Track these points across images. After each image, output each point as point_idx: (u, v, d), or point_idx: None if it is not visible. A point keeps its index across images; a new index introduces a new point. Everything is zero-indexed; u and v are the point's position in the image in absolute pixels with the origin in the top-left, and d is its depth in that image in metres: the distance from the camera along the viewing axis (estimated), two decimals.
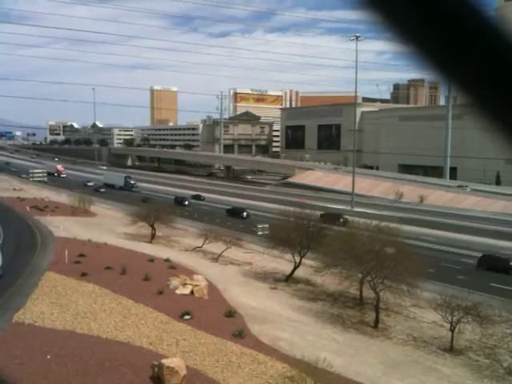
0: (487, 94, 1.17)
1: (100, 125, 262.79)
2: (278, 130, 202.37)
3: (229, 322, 26.96)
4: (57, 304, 27.26)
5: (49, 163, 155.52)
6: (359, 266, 31.33)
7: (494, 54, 1.11)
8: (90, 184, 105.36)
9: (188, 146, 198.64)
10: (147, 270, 34.72)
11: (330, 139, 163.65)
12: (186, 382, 19.23)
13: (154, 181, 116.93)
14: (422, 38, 1.14)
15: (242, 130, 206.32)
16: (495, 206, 79.17)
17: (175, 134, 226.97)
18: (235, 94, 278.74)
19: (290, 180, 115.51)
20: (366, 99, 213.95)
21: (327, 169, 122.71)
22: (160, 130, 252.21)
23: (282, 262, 43.30)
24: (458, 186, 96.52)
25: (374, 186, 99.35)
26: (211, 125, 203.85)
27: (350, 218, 60.35)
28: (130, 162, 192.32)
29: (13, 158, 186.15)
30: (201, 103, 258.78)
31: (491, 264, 43.70)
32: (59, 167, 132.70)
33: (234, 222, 64.92)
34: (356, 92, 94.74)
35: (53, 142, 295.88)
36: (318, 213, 52.12)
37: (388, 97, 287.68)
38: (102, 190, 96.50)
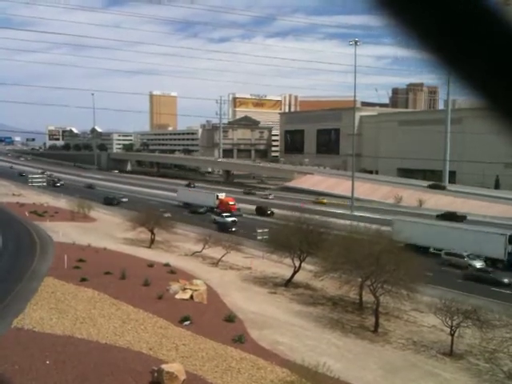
0: (500, 93, 1.17)
1: (99, 130, 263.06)
2: (277, 135, 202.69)
3: (228, 327, 26.91)
4: (56, 309, 27.22)
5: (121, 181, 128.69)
6: (359, 271, 31.33)
7: (506, 52, 1.12)
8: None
9: (187, 151, 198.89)
10: (147, 275, 34.69)
11: (329, 144, 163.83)
12: None
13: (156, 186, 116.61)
14: (435, 40, 1.16)
15: (241, 135, 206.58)
16: (494, 209, 79.19)
17: (175, 139, 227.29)
18: (234, 98, 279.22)
19: (290, 184, 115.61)
20: (364, 104, 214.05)
21: (328, 173, 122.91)
22: (159, 134, 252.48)
23: (281, 267, 43.26)
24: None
25: (374, 190, 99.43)
26: (210, 129, 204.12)
27: (349, 222, 60.39)
28: (129, 167, 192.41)
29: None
30: (200, 108, 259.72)
31: None
32: (224, 198, 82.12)
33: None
34: (355, 96, 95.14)
35: (52, 147, 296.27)
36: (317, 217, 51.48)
37: (387, 101, 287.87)
38: None
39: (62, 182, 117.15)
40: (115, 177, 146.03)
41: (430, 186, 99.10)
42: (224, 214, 68.65)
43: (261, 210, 77.29)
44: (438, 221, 70.59)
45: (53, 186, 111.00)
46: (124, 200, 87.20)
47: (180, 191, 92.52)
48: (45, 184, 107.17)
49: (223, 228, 61.32)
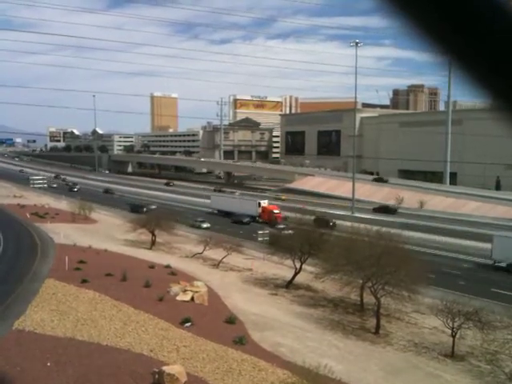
0: (509, 93, 1.16)
1: (100, 131, 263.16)
2: (277, 136, 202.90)
3: (229, 329, 26.89)
4: (57, 311, 27.21)
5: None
6: (360, 272, 31.30)
7: None
8: None
9: (188, 153, 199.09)
10: (147, 277, 34.67)
11: (329, 145, 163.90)
12: None
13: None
14: (444, 38, 1.14)
15: (241, 136, 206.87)
16: (496, 211, 79.15)
17: (175, 141, 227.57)
18: (235, 100, 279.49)
19: (291, 186, 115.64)
20: (365, 105, 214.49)
21: (329, 175, 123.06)
22: (160, 136, 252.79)
23: (282, 268, 43.25)
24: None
25: (374, 192, 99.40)
26: (211, 131, 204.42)
27: (350, 223, 60.29)
28: (130, 169, 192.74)
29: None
30: (201, 110, 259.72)
31: None
32: (268, 205, 73.88)
33: (234, 228, 64.81)
34: (356, 98, 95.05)
35: (53, 148, 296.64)
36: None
37: (387, 102, 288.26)
38: None
39: (77, 187, 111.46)
40: (126, 180, 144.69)
41: (375, 180, 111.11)
42: (280, 226, 58.66)
43: (320, 222, 61.93)
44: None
45: (69, 191, 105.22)
46: (152, 207, 76.75)
47: (214, 197, 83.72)
48: (46, 186, 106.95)
49: None
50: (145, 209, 75.23)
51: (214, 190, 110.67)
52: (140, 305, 28.96)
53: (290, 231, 49.33)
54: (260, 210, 71.86)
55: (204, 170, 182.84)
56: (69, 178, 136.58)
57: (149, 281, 33.62)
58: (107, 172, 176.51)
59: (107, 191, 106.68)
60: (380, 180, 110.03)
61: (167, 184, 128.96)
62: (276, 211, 69.98)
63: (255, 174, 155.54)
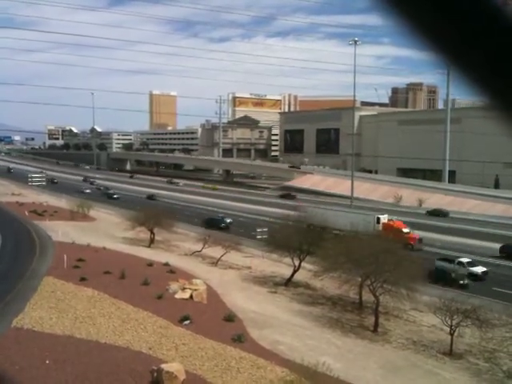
0: (505, 92, 1.15)
1: (99, 129, 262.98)
2: (276, 134, 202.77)
3: (228, 327, 26.90)
4: (56, 309, 27.21)
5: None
6: (359, 270, 31.32)
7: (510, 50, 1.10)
8: None
9: (187, 151, 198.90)
10: (146, 275, 34.69)
11: (328, 143, 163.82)
12: None
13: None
14: (440, 38, 1.14)
15: (240, 134, 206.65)
16: (494, 209, 79.23)
17: (174, 139, 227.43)
18: (234, 98, 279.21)
19: (290, 184, 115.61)
20: (364, 103, 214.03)
21: (329, 173, 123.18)
22: (159, 134, 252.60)
23: (281, 266, 43.26)
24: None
25: (373, 190, 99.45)
26: (210, 129, 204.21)
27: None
28: (128, 167, 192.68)
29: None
30: (200, 108, 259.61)
31: None
32: (392, 221, 55.73)
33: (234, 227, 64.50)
34: (354, 96, 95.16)
35: (51, 146, 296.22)
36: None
37: (386, 101, 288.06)
38: None
39: (112, 192, 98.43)
40: (118, 177, 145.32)
41: (290, 167, 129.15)
42: (463, 260, 42.41)
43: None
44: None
45: (108, 198, 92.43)
46: (228, 221, 65.87)
47: (308, 209, 61.51)
48: (44, 183, 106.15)
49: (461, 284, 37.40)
50: (223, 224, 63.33)
51: (167, 182, 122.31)
52: (139, 303, 28.97)
53: (485, 269, 38.91)
54: (380, 226, 53.69)
55: (191, 167, 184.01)
56: (50, 173, 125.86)
57: (147, 279, 33.62)
58: (87, 167, 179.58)
59: (151, 197, 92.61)
60: (294, 167, 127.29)
61: (131, 177, 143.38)
62: (406, 230, 52.78)
63: (254, 172, 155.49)
